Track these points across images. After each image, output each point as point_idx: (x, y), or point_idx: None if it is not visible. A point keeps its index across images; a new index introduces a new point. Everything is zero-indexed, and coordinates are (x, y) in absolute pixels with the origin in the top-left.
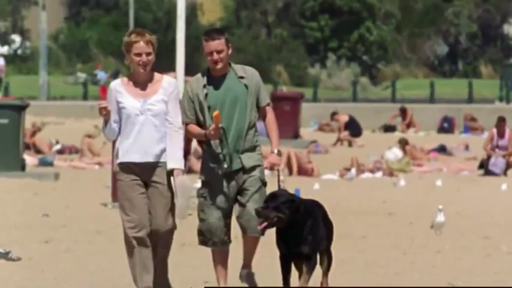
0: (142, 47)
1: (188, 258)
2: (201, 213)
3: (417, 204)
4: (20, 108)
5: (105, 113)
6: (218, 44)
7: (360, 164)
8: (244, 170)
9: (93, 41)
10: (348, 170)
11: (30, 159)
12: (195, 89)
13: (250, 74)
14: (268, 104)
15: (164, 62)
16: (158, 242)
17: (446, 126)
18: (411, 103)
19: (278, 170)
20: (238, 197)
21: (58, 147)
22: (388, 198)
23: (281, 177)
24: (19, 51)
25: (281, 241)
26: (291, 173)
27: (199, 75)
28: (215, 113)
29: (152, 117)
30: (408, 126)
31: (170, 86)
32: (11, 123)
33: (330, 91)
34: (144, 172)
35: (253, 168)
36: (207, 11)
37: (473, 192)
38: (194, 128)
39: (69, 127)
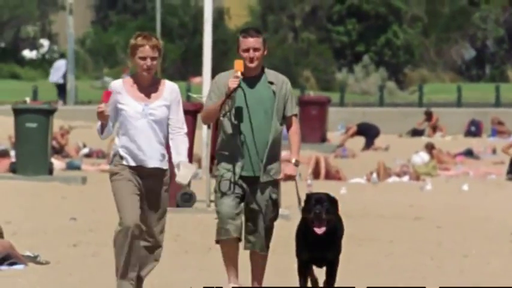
0: (147, 50)
1: (214, 263)
2: (216, 208)
3: (444, 208)
4: (48, 113)
5: (104, 117)
6: (256, 41)
7: (386, 168)
8: (259, 183)
9: (120, 46)
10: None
11: (57, 163)
12: (223, 81)
13: (281, 81)
14: (295, 115)
15: (191, 67)
16: (153, 253)
17: (473, 130)
18: (438, 107)
19: (296, 181)
20: (249, 214)
21: (85, 151)
22: (414, 202)
23: (308, 182)
24: (47, 56)
25: (305, 248)
26: (318, 177)
27: (230, 71)
28: (236, 60)
29: (153, 122)
30: (434, 129)
31: (173, 92)
32: (39, 127)
33: (357, 96)
34: (141, 177)
35: (268, 184)
36: (234, 16)
37: (500, 196)
38: (210, 105)
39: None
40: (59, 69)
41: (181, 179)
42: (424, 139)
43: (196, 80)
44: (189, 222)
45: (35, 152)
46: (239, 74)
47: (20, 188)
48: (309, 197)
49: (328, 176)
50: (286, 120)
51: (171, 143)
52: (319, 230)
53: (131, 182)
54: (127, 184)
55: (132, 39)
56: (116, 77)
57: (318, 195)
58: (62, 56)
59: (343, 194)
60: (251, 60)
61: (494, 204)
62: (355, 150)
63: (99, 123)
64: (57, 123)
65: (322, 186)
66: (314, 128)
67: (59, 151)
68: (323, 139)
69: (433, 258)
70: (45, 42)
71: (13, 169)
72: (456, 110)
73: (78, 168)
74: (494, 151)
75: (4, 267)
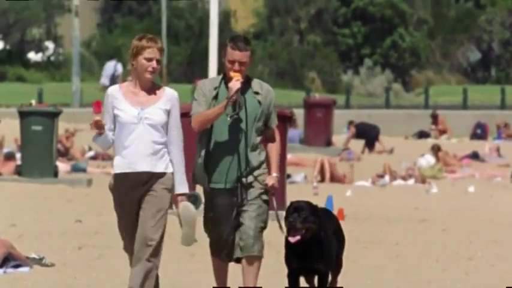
0: (155, 52)
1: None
2: (206, 227)
3: (450, 210)
4: (53, 115)
5: (100, 127)
6: (244, 55)
7: (392, 170)
8: (245, 188)
9: (125, 48)
10: (381, 176)
11: (62, 165)
12: (208, 87)
13: (266, 91)
14: (275, 127)
15: (197, 69)
16: (146, 253)
17: (479, 132)
18: (444, 109)
19: (273, 195)
20: (239, 211)
21: (91, 153)
22: (420, 205)
23: (314, 184)
24: (52, 58)
25: (293, 256)
26: (323, 179)
27: (214, 77)
28: (232, 73)
29: (149, 127)
30: (442, 132)
31: (172, 99)
32: (44, 130)
33: (362, 98)
34: (139, 184)
35: (254, 186)
36: (240, 18)
37: (505, 198)
38: (204, 112)
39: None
40: (107, 71)
41: (186, 241)
42: (430, 141)
43: (201, 82)
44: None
45: (41, 154)
46: (239, 77)
47: (25, 190)
48: (290, 204)
49: (333, 178)
50: (267, 131)
51: (170, 159)
52: (292, 239)
53: (127, 204)
54: (124, 209)
55: (135, 40)
56: (122, 79)
57: (298, 204)
58: (111, 57)
59: (349, 196)
60: (235, 72)
61: (499, 206)
62: (359, 153)
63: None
64: (62, 125)
65: (327, 189)
66: (319, 131)
67: (64, 154)
68: (328, 142)
69: (438, 261)
70: (50, 45)
71: (19, 172)
72: (462, 113)
73: (83, 170)
74: (499, 154)
75: (10, 270)
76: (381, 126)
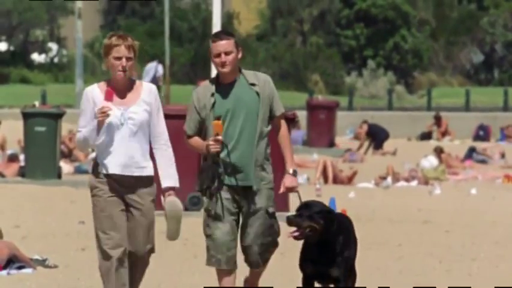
0: (123, 50)
1: None
2: (206, 229)
3: (453, 212)
4: (57, 116)
5: (104, 119)
6: (226, 44)
7: (395, 172)
8: (252, 192)
9: None
10: (384, 178)
11: (66, 167)
12: (201, 98)
13: (263, 81)
14: (282, 114)
15: (200, 71)
16: (135, 263)
17: (481, 134)
18: (447, 111)
19: (298, 192)
20: (242, 225)
21: (94, 155)
22: (423, 207)
23: (317, 186)
24: (56, 60)
25: (308, 260)
26: (326, 181)
27: (207, 82)
28: (214, 122)
29: (133, 127)
30: (444, 134)
31: (151, 94)
32: (48, 131)
33: (365, 99)
34: (124, 186)
35: (262, 194)
36: (243, 20)
37: (508, 200)
38: (196, 141)
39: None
40: (148, 73)
41: (171, 236)
42: (432, 143)
43: (204, 83)
44: (197, 226)
45: (44, 155)
46: (220, 137)
47: (28, 192)
48: (301, 202)
49: (336, 180)
50: (274, 121)
51: (157, 159)
52: (291, 235)
53: (114, 198)
54: (110, 202)
55: (106, 39)
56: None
57: (307, 202)
58: (153, 58)
59: (352, 198)
60: (223, 65)
61: (502, 208)
62: (362, 155)
63: (88, 130)
64: (65, 127)
65: (330, 191)
66: (322, 133)
67: (68, 155)
68: (331, 144)
69: (441, 262)
70: (53, 46)
71: (22, 173)
72: (464, 114)
73: (86, 172)
74: (503, 156)
75: (13, 271)
76: (384, 128)
